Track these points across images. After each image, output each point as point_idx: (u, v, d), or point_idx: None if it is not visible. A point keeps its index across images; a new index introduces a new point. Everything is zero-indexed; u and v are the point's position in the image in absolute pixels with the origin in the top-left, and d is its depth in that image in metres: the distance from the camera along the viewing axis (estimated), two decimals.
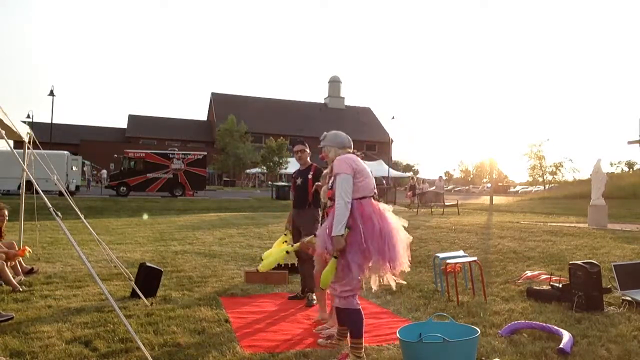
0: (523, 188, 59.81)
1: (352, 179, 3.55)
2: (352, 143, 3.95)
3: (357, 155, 3.82)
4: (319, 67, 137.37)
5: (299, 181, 5.61)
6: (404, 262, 3.52)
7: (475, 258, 6.20)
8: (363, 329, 3.67)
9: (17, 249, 6.47)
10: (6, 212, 6.72)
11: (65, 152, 28.91)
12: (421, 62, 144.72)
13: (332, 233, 3.45)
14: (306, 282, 5.60)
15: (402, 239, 3.54)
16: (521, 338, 4.12)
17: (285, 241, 5.36)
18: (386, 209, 3.62)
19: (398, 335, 3.29)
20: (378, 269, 3.49)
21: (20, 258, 6.62)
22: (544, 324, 4.34)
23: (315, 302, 5.39)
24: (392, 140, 57.28)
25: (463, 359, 3.10)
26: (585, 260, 5.28)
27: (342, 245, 3.43)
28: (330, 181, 3.75)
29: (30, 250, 6.67)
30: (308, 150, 5.65)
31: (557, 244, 9.44)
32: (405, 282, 4.14)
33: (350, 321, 3.66)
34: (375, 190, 3.71)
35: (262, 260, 5.01)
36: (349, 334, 3.72)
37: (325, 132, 3.95)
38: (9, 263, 6.07)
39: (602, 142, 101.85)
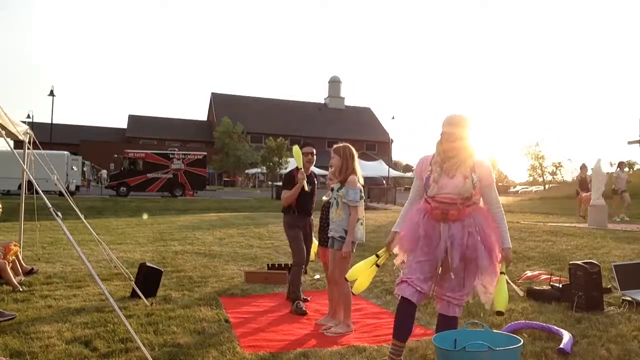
0: (523, 188, 59.74)
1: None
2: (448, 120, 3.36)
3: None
4: (319, 67, 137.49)
5: (309, 188, 5.28)
6: None
7: None
8: (395, 329, 3.39)
9: (12, 248, 6.40)
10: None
11: (65, 152, 28.92)
12: (421, 62, 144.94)
13: (508, 245, 3.37)
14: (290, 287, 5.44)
15: None
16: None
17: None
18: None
19: (435, 343, 3.15)
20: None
21: (20, 258, 6.61)
22: (544, 324, 4.34)
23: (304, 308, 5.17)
24: (392, 140, 57.31)
25: None
26: (585, 260, 5.27)
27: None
28: (475, 178, 3.32)
29: (17, 245, 6.60)
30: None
31: (557, 244, 9.43)
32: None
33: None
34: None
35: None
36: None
37: (457, 114, 3.37)
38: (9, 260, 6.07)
39: (602, 142, 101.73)
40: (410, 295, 3.26)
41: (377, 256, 3.48)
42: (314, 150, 5.34)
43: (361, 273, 3.48)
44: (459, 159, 3.30)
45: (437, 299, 3.42)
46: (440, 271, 3.35)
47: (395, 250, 3.52)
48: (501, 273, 3.29)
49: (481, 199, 3.39)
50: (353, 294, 3.55)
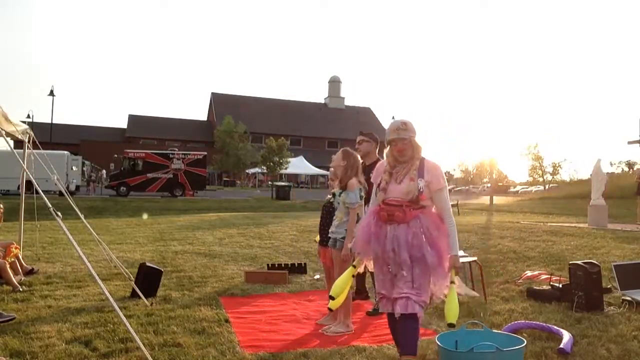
0: (523, 188, 59.80)
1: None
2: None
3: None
4: (319, 67, 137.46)
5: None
6: None
7: (475, 258, 6.20)
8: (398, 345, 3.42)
9: (12, 250, 6.39)
10: (1, 206, 6.71)
11: (65, 152, 28.93)
12: (421, 62, 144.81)
13: (455, 252, 3.29)
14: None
15: None
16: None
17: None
18: None
19: (439, 344, 3.15)
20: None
21: (20, 258, 6.61)
22: (544, 324, 4.35)
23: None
24: None
25: None
26: (585, 260, 5.28)
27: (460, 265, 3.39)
28: (421, 184, 3.30)
29: (17, 247, 6.59)
30: (372, 142, 5.09)
31: (557, 244, 9.44)
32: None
33: (416, 331, 3.27)
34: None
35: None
36: (404, 352, 3.28)
37: (398, 120, 3.41)
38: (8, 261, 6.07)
39: (602, 142, 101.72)
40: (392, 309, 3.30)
41: (354, 267, 3.50)
42: (362, 138, 5.17)
43: (345, 287, 3.46)
44: (408, 164, 3.35)
45: (394, 300, 3.31)
46: (393, 272, 3.33)
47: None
48: (451, 282, 3.24)
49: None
50: (330, 309, 3.57)
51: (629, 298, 5.12)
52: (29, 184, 5.43)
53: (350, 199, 4.43)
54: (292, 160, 50.78)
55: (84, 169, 35.50)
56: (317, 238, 5.22)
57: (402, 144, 3.31)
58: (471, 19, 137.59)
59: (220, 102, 68.24)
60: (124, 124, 67.36)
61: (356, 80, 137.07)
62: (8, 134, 5.81)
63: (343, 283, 3.46)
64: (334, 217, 4.63)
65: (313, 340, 4.25)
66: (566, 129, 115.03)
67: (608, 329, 4.34)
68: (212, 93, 71.41)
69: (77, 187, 29.94)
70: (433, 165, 3.37)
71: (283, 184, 34.28)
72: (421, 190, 3.27)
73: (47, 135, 32.54)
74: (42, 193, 4.12)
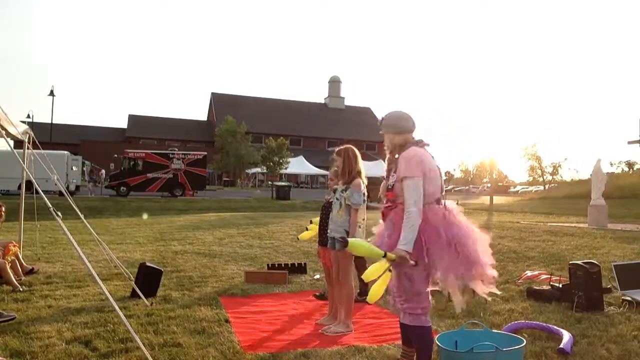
0: (523, 188, 59.81)
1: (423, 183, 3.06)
2: (415, 124, 3.23)
3: (423, 146, 3.21)
4: (319, 67, 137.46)
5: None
6: (487, 265, 3.14)
7: None
8: (401, 335, 3.40)
9: (11, 249, 6.39)
10: (3, 209, 6.71)
11: (65, 152, 28.90)
12: (421, 62, 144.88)
13: (401, 246, 2.95)
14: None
15: (479, 240, 3.15)
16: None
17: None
18: (452, 208, 3.21)
19: (439, 344, 3.15)
20: (452, 282, 3.12)
21: (20, 258, 6.61)
22: (544, 324, 4.35)
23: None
24: None
25: None
26: (585, 260, 5.28)
27: (408, 262, 2.97)
28: (392, 179, 3.11)
29: (16, 245, 6.59)
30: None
31: (557, 244, 9.44)
32: (498, 293, 3.72)
33: (420, 340, 3.19)
34: (444, 191, 3.24)
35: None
36: (416, 356, 3.26)
37: (385, 114, 3.28)
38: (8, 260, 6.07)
39: (602, 142, 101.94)
40: (394, 309, 3.38)
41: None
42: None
43: (377, 274, 3.18)
44: (389, 160, 3.28)
45: None
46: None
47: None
48: (386, 258, 2.99)
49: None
50: (368, 303, 3.50)
51: (629, 298, 5.13)
52: (29, 184, 5.43)
53: (354, 199, 4.42)
54: (292, 160, 50.76)
55: (84, 169, 35.48)
56: (301, 236, 5.35)
57: (388, 140, 3.28)
58: (471, 19, 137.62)
59: (220, 102, 68.21)
60: (124, 124, 67.34)
61: (356, 80, 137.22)
62: (8, 134, 5.81)
63: (376, 270, 3.09)
64: (333, 213, 4.57)
65: (313, 340, 4.25)
66: (566, 129, 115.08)
67: (608, 329, 4.34)
68: (212, 93, 71.37)
69: (77, 187, 29.93)
70: (405, 155, 3.10)
71: (283, 184, 34.25)
72: (389, 186, 3.13)
73: (47, 135, 32.56)
74: (42, 193, 4.12)
